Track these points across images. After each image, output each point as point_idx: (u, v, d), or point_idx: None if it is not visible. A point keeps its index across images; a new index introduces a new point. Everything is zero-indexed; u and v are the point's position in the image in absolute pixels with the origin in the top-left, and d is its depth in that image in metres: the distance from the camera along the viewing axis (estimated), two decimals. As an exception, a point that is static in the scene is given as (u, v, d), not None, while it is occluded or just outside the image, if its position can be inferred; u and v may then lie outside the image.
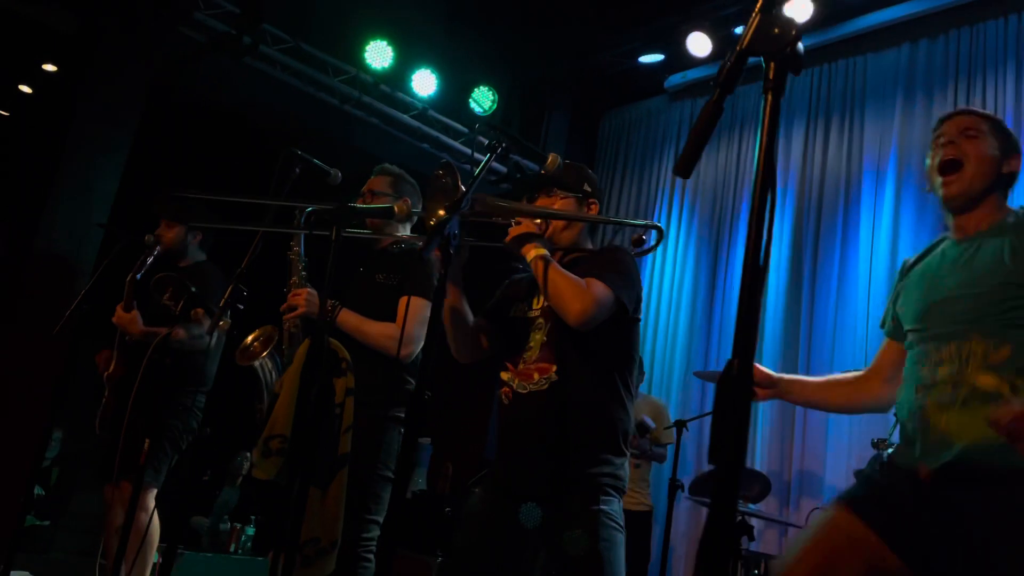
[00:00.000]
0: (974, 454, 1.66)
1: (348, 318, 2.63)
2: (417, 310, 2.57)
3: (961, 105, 4.69)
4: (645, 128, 6.59)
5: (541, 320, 2.18)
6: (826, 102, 5.39)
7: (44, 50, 5.39)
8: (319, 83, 5.22)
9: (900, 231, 4.68)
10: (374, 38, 5.32)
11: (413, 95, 5.56)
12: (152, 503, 3.18)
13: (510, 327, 2.28)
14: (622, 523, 2.05)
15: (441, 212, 1.82)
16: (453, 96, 5.77)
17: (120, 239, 3.54)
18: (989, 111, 2.03)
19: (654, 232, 2.11)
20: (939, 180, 1.89)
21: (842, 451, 4.43)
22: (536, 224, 2.13)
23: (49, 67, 5.63)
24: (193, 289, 2.72)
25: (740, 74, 0.95)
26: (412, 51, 5.51)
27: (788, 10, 5.14)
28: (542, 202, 2.28)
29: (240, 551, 5.11)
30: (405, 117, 5.55)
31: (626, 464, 2.15)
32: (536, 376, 2.11)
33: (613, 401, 2.13)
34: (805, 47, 0.95)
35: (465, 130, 5.83)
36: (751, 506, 3.85)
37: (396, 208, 2.05)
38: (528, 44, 6.37)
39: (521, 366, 2.16)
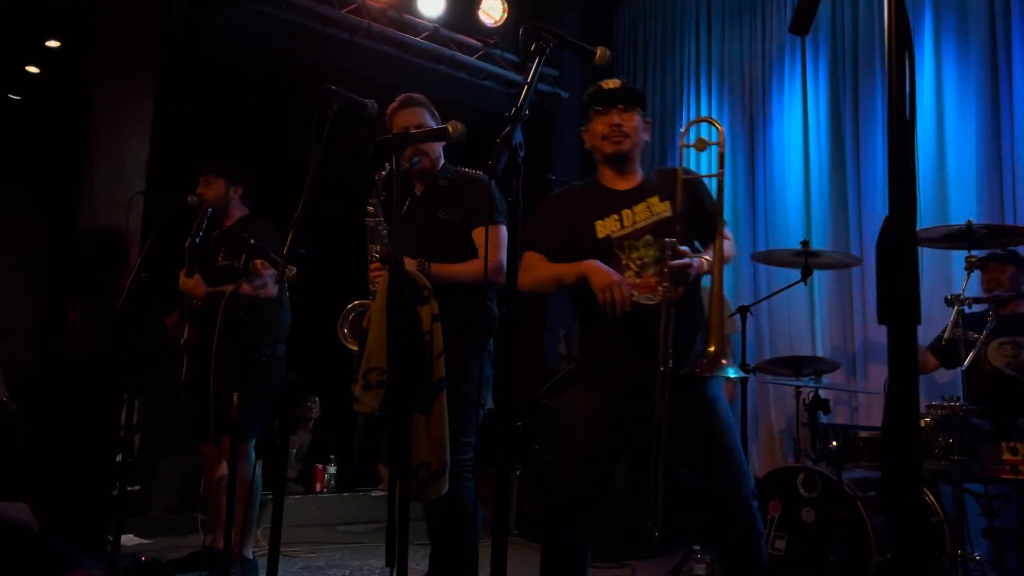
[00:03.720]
0: None
1: (440, 270, 2.63)
2: (498, 235, 2.66)
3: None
4: (661, 16, 6.36)
5: (649, 237, 2.36)
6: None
7: (43, 27, 5.30)
8: (327, 18, 5.08)
9: (943, 76, 4.51)
10: (373, -37, 5.14)
11: (422, 16, 5.40)
12: (252, 454, 3.27)
13: (598, 247, 2.38)
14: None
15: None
16: (462, 12, 5.61)
17: (163, 204, 3.55)
18: None
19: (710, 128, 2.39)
20: None
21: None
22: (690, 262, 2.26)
23: (52, 43, 5.54)
24: (252, 241, 2.72)
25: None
26: (413, -29, 5.34)
27: None
28: (616, 114, 2.43)
29: (326, 490, 5.28)
30: (418, 40, 5.40)
31: None
32: (656, 287, 2.30)
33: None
34: None
35: (479, 44, 5.68)
36: (824, 380, 3.85)
37: (450, 128, 2.01)
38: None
39: (638, 280, 2.33)
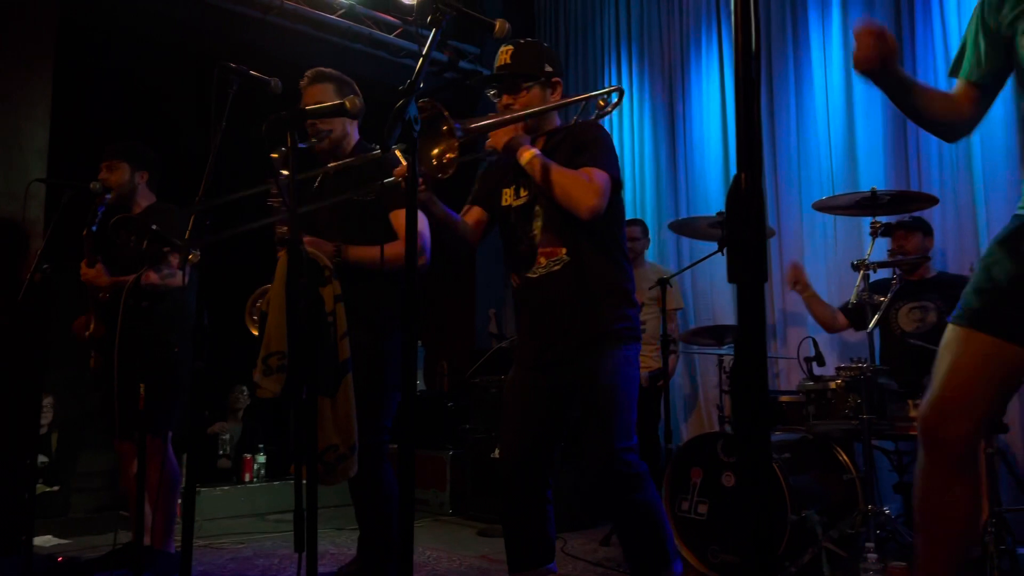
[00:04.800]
0: None
1: (358, 253, 2.62)
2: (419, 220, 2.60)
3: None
4: (583, -11, 6.37)
5: (537, 207, 2.30)
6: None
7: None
8: (236, -5, 4.93)
9: (852, 49, 4.61)
10: (284, -63, 5.00)
11: (336, -7, 5.29)
12: (168, 446, 3.18)
13: (503, 217, 2.40)
14: (638, 364, 2.30)
15: (434, 151, 1.96)
16: (378, -12, 5.51)
17: (64, 192, 3.40)
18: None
19: (615, 93, 2.23)
20: None
21: (820, 280, 4.51)
22: (515, 126, 2.23)
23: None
24: (154, 227, 2.63)
25: None
26: (327, -54, 5.21)
27: None
28: (507, 99, 2.35)
29: (256, 479, 5.19)
30: (333, 18, 5.28)
31: (638, 312, 2.34)
32: (544, 260, 2.27)
33: (618, 262, 2.32)
34: None
35: (398, 23, 5.59)
36: (743, 347, 3.93)
37: (347, 103, 1.96)
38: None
39: (527, 254, 2.30)
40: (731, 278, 0.77)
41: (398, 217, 2.66)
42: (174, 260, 2.98)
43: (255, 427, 5.96)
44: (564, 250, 2.26)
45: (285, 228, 2.61)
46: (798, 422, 3.50)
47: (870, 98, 4.50)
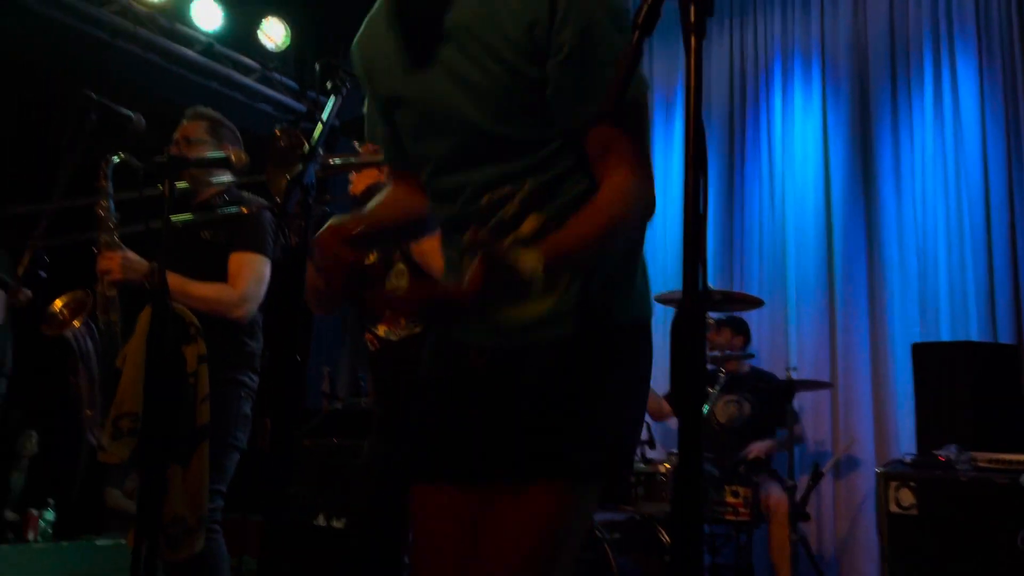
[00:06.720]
0: None
1: (170, 281, 2.38)
2: (253, 267, 2.44)
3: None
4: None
5: (402, 265, 2.20)
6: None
7: None
8: (84, 14, 4.61)
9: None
10: (145, -37, 4.78)
11: (196, 28, 5.08)
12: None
13: (363, 272, 2.25)
14: None
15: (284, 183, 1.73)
16: (241, 30, 5.35)
17: None
18: None
19: None
20: None
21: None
22: (378, 173, 2.12)
23: None
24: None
25: (659, 16, 0.95)
26: (191, -21, 5.02)
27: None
28: (374, 145, 2.23)
29: (41, 539, 4.64)
30: (189, 53, 5.07)
31: None
32: (404, 321, 2.17)
33: None
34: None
35: (257, 66, 5.45)
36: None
37: (233, 156, 1.89)
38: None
39: (387, 313, 2.18)
40: (674, 408, 0.82)
41: (238, 259, 2.49)
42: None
43: (42, 479, 5.36)
44: None
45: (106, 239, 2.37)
46: (628, 502, 3.64)
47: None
